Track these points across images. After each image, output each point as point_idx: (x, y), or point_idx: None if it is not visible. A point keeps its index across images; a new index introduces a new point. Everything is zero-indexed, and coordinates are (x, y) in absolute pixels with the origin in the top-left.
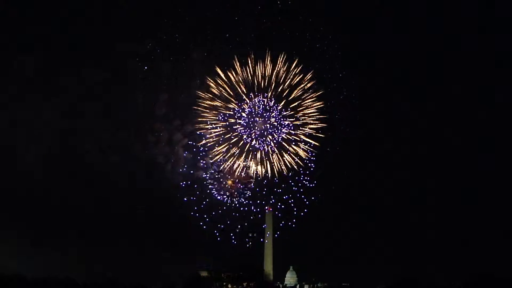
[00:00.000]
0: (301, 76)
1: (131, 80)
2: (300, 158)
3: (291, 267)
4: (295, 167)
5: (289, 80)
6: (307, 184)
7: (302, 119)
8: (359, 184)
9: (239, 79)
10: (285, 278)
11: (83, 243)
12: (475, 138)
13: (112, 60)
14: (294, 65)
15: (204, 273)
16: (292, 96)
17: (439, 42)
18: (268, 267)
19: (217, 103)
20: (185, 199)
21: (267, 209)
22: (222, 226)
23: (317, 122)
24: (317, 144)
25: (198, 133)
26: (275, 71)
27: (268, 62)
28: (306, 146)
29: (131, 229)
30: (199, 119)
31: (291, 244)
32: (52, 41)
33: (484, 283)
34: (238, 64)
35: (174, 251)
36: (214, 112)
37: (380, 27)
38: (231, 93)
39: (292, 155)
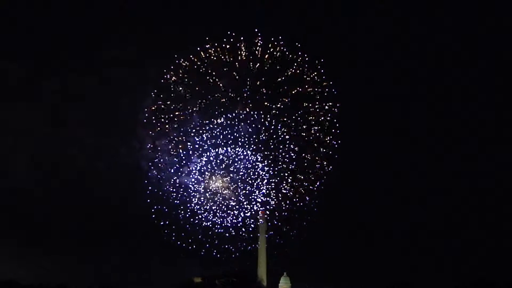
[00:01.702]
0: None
1: (116, 85)
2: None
3: (285, 272)
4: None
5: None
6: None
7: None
8: (353, 188)
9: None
10: (279, 284)
11: (73, 249)
12: (475, 139)
13: (96, 65)
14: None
15: (197, 279)
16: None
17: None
18: (262, 271)
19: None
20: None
21: (260, 213)
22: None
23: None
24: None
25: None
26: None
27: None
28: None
29: (121, 235)
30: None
31: (284, 249)
32: (37, 46)
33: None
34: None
35: (166, 256)
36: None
37: None
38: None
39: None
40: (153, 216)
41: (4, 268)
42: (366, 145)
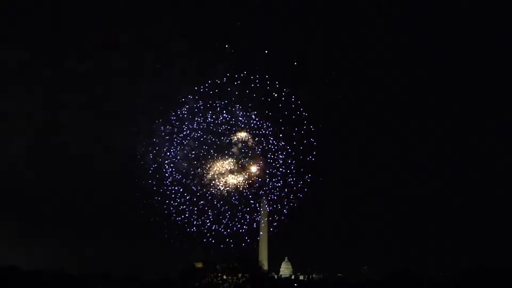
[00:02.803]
0: None
1: (114, 71)
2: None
3: (286, 258)
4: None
5: None
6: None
7: None
8: (353, 175)
9: None
10: (280, 269)
11: (75, 235)
12: (472, 135)
13: (94, 51)
14: None
15: (199, 265)
16: None
17: None
18: (263, 255)
19: None
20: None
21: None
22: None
23: None
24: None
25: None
26: None
27: None
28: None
29: (123, 221)
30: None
31: (286, 235)
32: (35, 32)
33: (477, 275)
34: None
35: (168, 242)
36: None
37: None
38: None
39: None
40: (142, 212)
41: (5, 254)
42: (365, 140)
